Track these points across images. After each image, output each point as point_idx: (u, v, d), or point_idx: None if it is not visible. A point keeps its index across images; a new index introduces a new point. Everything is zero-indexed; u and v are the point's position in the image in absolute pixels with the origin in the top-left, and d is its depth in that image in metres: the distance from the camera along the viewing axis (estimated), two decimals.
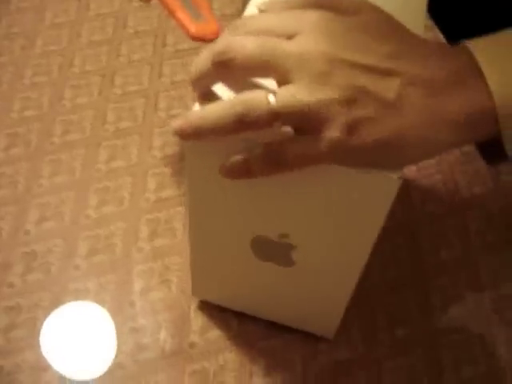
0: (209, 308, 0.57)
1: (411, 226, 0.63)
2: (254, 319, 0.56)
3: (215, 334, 0.55)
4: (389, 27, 0.39)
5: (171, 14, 0.46)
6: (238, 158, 0.38)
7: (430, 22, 0.76)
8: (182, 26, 0.45)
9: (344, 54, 0.36)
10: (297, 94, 0.35)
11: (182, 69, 0.74)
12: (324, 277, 0.48)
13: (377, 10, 0.39)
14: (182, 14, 0.46)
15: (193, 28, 0.45)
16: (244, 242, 0.47)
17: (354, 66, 0.36)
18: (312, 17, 0.37)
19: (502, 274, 0.60)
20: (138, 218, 0.62)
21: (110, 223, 0.61)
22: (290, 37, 0.37)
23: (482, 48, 0.38)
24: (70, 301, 0.56)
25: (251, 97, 0.36)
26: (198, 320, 0.56)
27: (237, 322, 0.56)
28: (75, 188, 0.64)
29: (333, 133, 0.35)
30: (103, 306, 0.56)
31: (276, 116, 0.35)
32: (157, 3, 0.77)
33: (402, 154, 0.37)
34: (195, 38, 0.45)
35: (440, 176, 0.66)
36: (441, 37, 0.75)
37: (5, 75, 0.73)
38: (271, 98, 0.35)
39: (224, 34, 0.40)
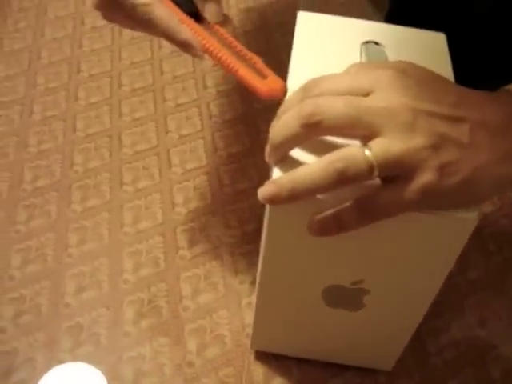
0: (266, 358, 0.58)
1: None
2: (312, 362, 0.57)
3: (278, 382, 0.56)
4: (441, 80, 0.42)
5: (233, 72, 0.47)
6: (327, 214, 0.40)
7: None
8: (249, 86, 0.46)
9: (422, 105, 0.39)
10: (390, 145, 0.37)
11: (186, 122, 0.75)
12: (392, 316, 0.50)
13: (418, 67, 0.43)
14: (245, 73, 0.46)
15: (262, 87, 0.45)
16: (315, 293, 0.49)
17: (433, 115, 0.39)
18: (384, 74, 0.40)
19: None
20: (177, 277, 0.62)
21: (150, 285, 0.62)
22: (365, 94, 0.40)
23: None
24: (127, 371, 0.56)
25: (349, 152, 0.38)
26: (258, 371, 0.57)
27: (296, 368, 0.57)
28: (107, 254, 0.64)
29: (426, 177, 0.38)
30: (162, 369, 0.56)
31: (373, 168, 0.37)
32: (144, 60, 0.79)
33: (480, 191, 0.40)
34: (266, 97, 0.45)
35: None
36: None
37: (9, 145, 0.72)
38: (367, 152, 0.37)
39: (296, 94, 0.42)
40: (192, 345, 0.58)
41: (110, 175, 0.70)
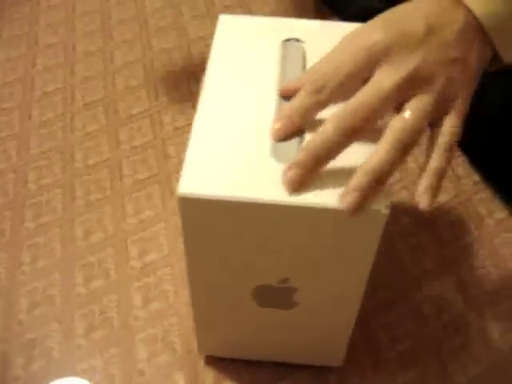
0: (217, 362, 0.58)
1: (389, 242, 0.66)
2: (262, 364, 0.57)
3: None
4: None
5: None
6: None
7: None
8: None
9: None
10: None
11: (138, 133, 0.76)
12: (327, 311, 0.50)
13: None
14: None
15: None
16: (245, 293, 0.49)
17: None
18: None
19: None
20: (129, 287, 0.63)
21: (101, 297, 0.62)
22: None
23: None
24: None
25: None
26: (209, 376, 0.57)
27: (247, 370, 0.57)
28: (59, 269, 0.64)
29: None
30: (112, 379, 0.57)
31: None
32: (96, 74, 0.79)
33: None
34: None
35: (406, 191, 0.70)
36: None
37: None
38: None
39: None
40: (143, 353, 0.58)
41: (62, 190, 0.70)
